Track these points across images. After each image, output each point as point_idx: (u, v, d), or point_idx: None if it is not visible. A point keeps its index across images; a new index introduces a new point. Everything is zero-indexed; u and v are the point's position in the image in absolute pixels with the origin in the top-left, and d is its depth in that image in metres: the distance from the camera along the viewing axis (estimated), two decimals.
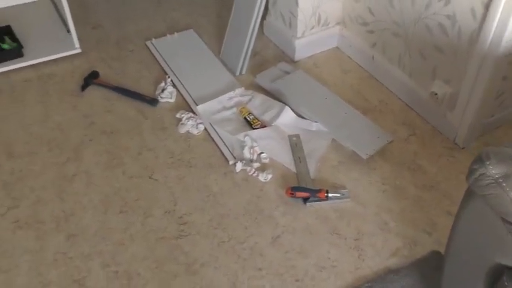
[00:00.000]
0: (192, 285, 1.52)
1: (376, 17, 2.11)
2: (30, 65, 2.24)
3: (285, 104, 2.04)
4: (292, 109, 2.02)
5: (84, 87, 2.15)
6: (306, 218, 1.70)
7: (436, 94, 1.91)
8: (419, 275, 1.53)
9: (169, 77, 2.20)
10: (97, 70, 2.23)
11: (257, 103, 2.08)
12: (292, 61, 2.32)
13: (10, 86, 2.16)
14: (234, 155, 1.88)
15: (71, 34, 2.26)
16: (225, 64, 2.28)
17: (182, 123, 1.99)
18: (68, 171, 1.83)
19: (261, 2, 2.08)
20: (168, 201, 1.74)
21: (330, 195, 1.73)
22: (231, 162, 1.86)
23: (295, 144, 1.92)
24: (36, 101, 2.10)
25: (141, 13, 2.61)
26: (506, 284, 1.09)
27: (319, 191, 1.73)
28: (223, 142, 1.93)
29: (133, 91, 2.13)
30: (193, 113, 2.04)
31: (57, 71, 2.24)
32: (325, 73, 2.26)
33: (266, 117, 2.01)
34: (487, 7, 1.63)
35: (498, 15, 1.60)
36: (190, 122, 1.99)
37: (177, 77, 2.20)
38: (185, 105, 2.10)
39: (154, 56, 2.33)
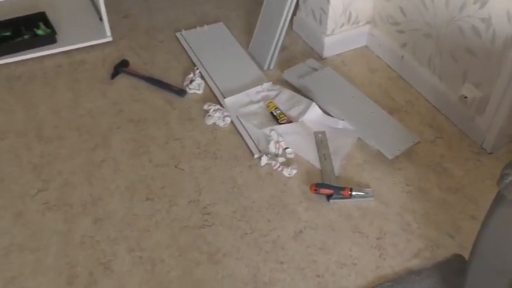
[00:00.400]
0: (214, 274, 1.54)
1: (407, 17, 2.10)
2: (63, 52, 2.28)
3: (312, 100, 2.05)
4: (319, 106, 2.03)
5: (114, 75, 2.18)
6: (328, 214, 1.71)
7: (465, 97, 1.90)
8: (441, 277, 1.53)
9: (197, 68, 2.22)
10: (127, 59, 2.26)
11: (284, 98, 2.09)
12: (320, 58, 2.32)
13: (43, 71, 2.21)
14: (260, 149, 1.90)
15: (103, 22, 2.30)
16: (253, 58, 2.30)
17: (209, 115, 2.01)
18: (96, 157, 1.87)
19: None
20: (193, 191, 1.77)
21: (353, 193, 1.73)
22: (256, 156, 1.88)
23: (320, 141, 1.93)
24: (67, 87, 2.14)
25: (172, 4, 2.63)
26: None
27: (343, 188, 1.74)
28: (249, 135, 1.95)
29: (162, 81, 2.16)
30: (221, 105, 2.06)
31: (88, 59, 2.28)
32: (353, 71, 2.26)
33: (293, 113, 2.02)
34: None
35: None
36: (217, 114, 2.01)
37: (205, 69, 2.23)
38: (212, 97, 2.12)
39: (183, 47, 2.36)
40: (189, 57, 2.31)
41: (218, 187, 1.78)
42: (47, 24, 2.31)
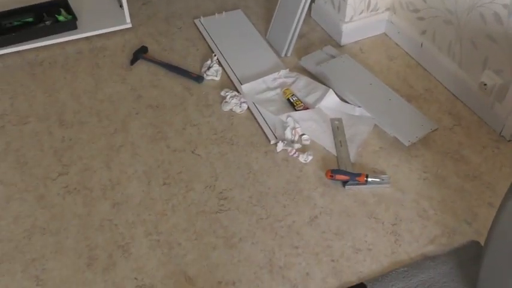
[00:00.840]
0: (229, 258, 1.56)
1: (428, 4, 2.07)
2: (84, 38, 2.32)
3: (329, 87, 2.04)
4: (335, 93, 2.02)
5: (133, 61, 2.21)
6: (344, 200, 1.72)
7: (485, 84, 1.88)
8: (457, 263, 1.52)
9: (215, 55, 2.23)
10: (146, 45, 2.28)
11: (301, 85, 2.09)
12: (338, 45, 2.31)
13: (64, 57, 2.24)
14: (276, 135, 1.91)
15: (123, 9, 2.32)
16: (271, 45, 2.30)
17: (226, 102, 2.03)
18: (115, 142, 1.90)
19: None
20: (209, 176, 1.79)
21: (369, 179, 1.73)
22: (272, 142, 1.89)
23: (337, 128, 1.93)
24: (87, 72, 2.18)
25: None
26: None
27: (359, 175, 1.74)
28: (266, 122, 1.95)
29: (180, 67, 2.18)
30: (238, 91, 2.07)
31: (109, 45, 2.31)
32: (371, 59, 2.24)
33: (309, 100, 2.02)
34: None
35: None
36: (234, 101, 2.02)
37: (223, 56, 2.24)
38: (230, 83, 2.13)
39: (201, 34, 2.37)
40: (207, 44, 2.32)
41: (234, 173, 1.80)
42: (69, 10, 2.34)
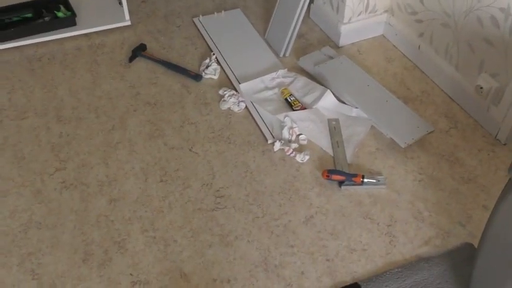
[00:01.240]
0: (225, 256, 1.57)
1: (425, 7, 2.09)
2: (82, 34, 2.32)
3: (327, 88, 2.05)
4: (333, 93, 2.03)
5: (132, 58, 2.21)
6: (340, 200, 1.73)
7: (481, 88, 1.89)
8: (450, 265, 1.54)
9: (214, 54, 2.24)
10: (145, 43, 2.29)
11: (299, 85, 2.10)
12: (336, 46, 2.32)
13: (63, 53, 2.25)
14: (273, 135, 1.92)
15: (122, 6, 2.33)
16: (269, 45, 2.31)
17: (224, 100, 2.04)
18: (112, 139, 1.90)
19: None
20: (206, 174, 1.80)
21: (365, 180, 1.74)
22: (269, 141, 1.90)
23: (334, 128, 1.94)
24: (86, 69, 2.18)
25: None
26: None
27: (355, 175, 1.75)
28: (263, 121, 1.96)
29: (179, 65, 2.18)
30: (236, 90, 2.08)
31: (107, 42, 2.31)
32: (368, 60, 2.26)
33: (307, 100, 2.03)
34: None
35: None
36: (232, 100, 2.03)
37: (221, 55, 2.24)
38: (228, 82, 2.14)
39: (200, 33, 2.38)
40: (206, 42, 2.33)
41: (231, 171, 1.81)
42: (68, 6, 2.34)
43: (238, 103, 2.02)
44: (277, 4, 2.31)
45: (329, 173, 1.76)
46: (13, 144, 1.87)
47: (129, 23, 2.36)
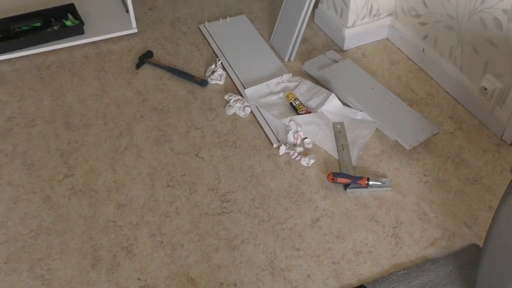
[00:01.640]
0: (231, 260, 1.59)
1: (429, 9, 2.09)
2: (90, 42, 2.36)
3: (331, 91, 2.07)
4: (338, 97, 2.04)
5: (138, 65, 2.24)
6: (345, 203, 1.74)
7: (485, 89, 1.89)
8: (456, 266, 1.54)
9: (219, 59, 2.26)
10: (151, 50, 2.31)
11: (304, 89, 2.11)
12: (340, 50, 2.33)
13: (71, 61, 2.28)
14: (278, 139, 1.93)
15: (129, 14, 2.36)
16: (274, 50, 2.33)
17: (230, 105, 2.06)
18: (120, 145, 1.93)
19: None
20: (212, 179, 1.81)
21: (370, 182, 1.75)
22: (275, 145, 1.91)
23: (339, 132, 1.95)
24: (93, 76, 2.21)
25: None
26: None
27: (361, 178, 1.76)
28: (269, 125, 1.98)
29: (185, 72, 2.21)
30: (241, 95, 2.10)
31: (115, 49, 2.34)
32: (373, 64, 2.27)
33: (312, 104, 2.05)
34: None
35: None
36: (238, 105, 2.05)
37: (227, 60, 2.27)
38: (233, 88, 2.16)
39: (206, 39, 2.40)
40: (212, 48, 2.35)
41: (237, 175, 1.82)
42: (76, 15, 2.38)
43: (244, 108, 2.04)
44: (281, 9, 2.33)
45: (334, 176, 1.77)
46: (23, 152, 1.90)
47: (135, 30, 2.40)
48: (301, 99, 2.07)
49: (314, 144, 1.92)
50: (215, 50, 2.33)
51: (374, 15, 2.31)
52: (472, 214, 1.70)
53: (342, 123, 1.97)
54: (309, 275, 1.55)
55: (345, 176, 1.77)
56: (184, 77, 2.19)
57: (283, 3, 2.31)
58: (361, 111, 1.99)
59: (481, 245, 1.59)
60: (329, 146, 1.91)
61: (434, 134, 1.93)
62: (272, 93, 2.11)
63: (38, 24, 2.33)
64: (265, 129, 1.97)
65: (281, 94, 2.10)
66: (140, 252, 1.61)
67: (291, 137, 1.92)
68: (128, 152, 1.90)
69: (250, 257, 1.60)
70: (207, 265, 1.58)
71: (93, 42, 2.37)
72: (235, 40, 2.37)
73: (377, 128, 1.96)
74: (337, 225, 1.68)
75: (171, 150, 1.91)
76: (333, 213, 1.71)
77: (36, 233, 1.65)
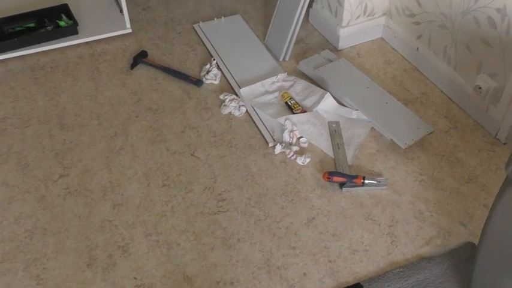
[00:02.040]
0: (228, 258, 1.59)
1: (423, 9, 2.11)
2: (84, 43, 2.35)
3: (326, 91, 2.07)
4: (333, 96, 2.05)
5: (133, 65, 2.24)
6: (341, 202, 1.74)
7: (480, 88, 1.91)
8: (452, 264, 1.54)
9: (214, 59, 2.26)
10: (146, 50, 2.31)
11: (299, 89, 2.12)
12: (335, 50, 2.34)
13: (65, 61, 2.27)
14: (274, 138, 1.93)
15: (123, 14, 2.36)
16: (269, 49, 2.33)
17: (225, 105, 2.05)
18: (115, 144, 1.92)
19: None
20: (208, 178, 1.81)
21: (366, 181, 1.75)
22: (270, 145, 1.91)
23: (334, 131, 1.95)
24: (88, 76, 2.20)
25: None
26: None
27: (356, 177, 1.76)
28: (264, 125, 1.98)
29: (180, 71, 2.20)
30: (236, 95, 2.10)
31: (109, 49, 2.34)
32: (368, 63, 2.27)
33: (307, 103, 2.05)
34: None
35: None
36: (233, 104, 2.05)
37: (222, 60, 2.27)
38: (228, 87, 2.16)
39: (201, 39, 2.40)
40: (206, 48, 2.35)
41: (233, 175, 1.82)
42: (69, 16, 2.37)
43: (239, 107, 2.04)
44: (276, 9, 2.33)
45: (330, 175, 1.77)
46: (17, 152, 1.89)
47: (130, 30, 2.39)
48: (296, 98, 2.07)
49: (310, 143, 1.92)
50: (210, 50, 2.33)
51: (368, 15, 2.31)
52: (467, 212, 1.70)
53: (337, 122, 1.98)
54: (305, 274, 1.55)
55: (340, 175, 1.77)
56: (179, 76, 2.19)
57: (278, 3, 2.32)
58: (357, 110, 2.00)
59: (476, 243, 1.60)
60: (324, 145, 1.91)
61: (429, 133, 1.94)
62: (267, 92, 2.11)
63: (32, 25, 2.32)
64: (260, 129, 1.97)
65: (276, 93, 2.10)
66: (136, 252, 1.60)
67: (286, 136, 1.92)
68: (123, 152, 1.90)
69: (247, 255, 1.59)
70: (203, 264, 1.57)
71: (87, 43, 2.36)
72: (230, 40, 2.37)
73: (372, 127, 1.97)
74: (333, 224, 1.68)
75: (167, 150, 1.91)
76: (329, 211, 1.71)
77: (31, 233, 1.64)
